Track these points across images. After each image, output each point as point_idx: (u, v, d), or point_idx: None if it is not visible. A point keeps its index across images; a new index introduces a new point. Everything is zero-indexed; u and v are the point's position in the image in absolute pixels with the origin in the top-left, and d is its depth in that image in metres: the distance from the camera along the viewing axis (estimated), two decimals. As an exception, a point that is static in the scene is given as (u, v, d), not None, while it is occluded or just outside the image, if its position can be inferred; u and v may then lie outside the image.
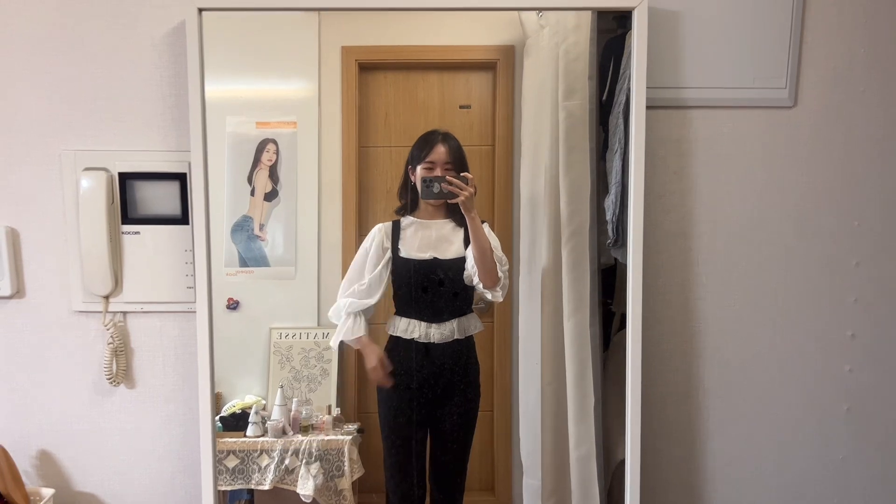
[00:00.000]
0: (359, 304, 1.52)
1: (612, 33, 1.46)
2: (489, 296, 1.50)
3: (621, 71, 1.44)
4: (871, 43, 1.48)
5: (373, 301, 1.52)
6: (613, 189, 1.45)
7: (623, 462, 1.48)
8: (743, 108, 1.48)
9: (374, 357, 1.53)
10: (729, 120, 1.48)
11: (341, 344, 1.54)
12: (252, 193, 1.51)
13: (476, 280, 1.49)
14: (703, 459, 1.58)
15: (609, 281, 1.52)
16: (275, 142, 1.50)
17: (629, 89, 1.40)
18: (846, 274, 1.53)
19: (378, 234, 1.52)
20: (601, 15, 1.44)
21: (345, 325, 1.53)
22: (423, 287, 1.51)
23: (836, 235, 1.52)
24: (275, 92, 1.54)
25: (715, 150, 1.49)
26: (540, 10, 1.46)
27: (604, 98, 1.48)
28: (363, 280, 1.51)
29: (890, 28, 1.47)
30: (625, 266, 1.45)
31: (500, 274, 1.49)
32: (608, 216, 1.47)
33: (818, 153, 1.50)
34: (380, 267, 1.51)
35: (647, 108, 1.40)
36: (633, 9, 1.37)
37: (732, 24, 1.46)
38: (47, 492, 1.50)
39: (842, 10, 1.46)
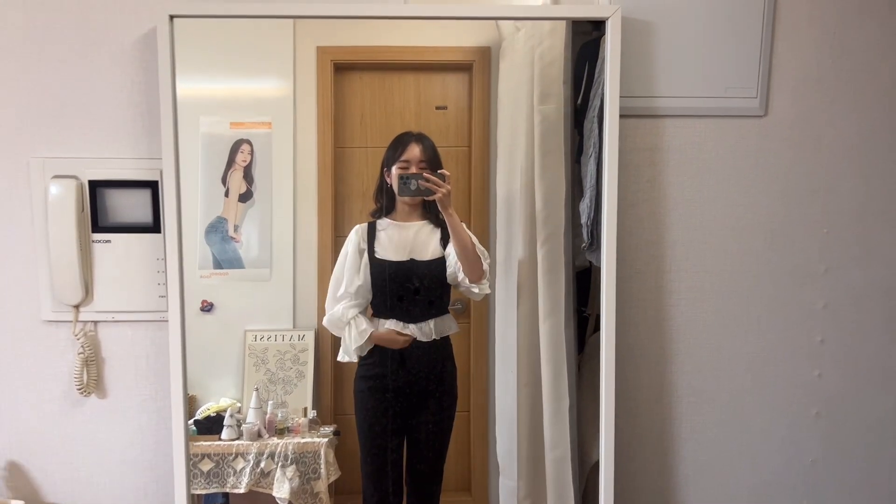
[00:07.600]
0: (355, 304, 1.51)
1: (587, 36, 1.47)
2: (476, 290, 1.49)
3: (596, 76, 1.44)
4: (840, 54, 1.49)
5: (368, 300, 1.52)
6: (588, 193, 1.46)
7: (598, 464, 1.49)
8: (714, 117, 1.50)
9: (390, 336, 1.52)
10: (701, 129, 1.50)
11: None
12: (226, 194, 1.50)
13: (461, 276, 1.49)
14: (675, 463, 1.60)
15: (584, 284, 1.53)
16: (249, 142, 1.49)
17: (603, 95, 1.41)
18: (815, 280, 1.56)
19: (354, 236, 1.51)
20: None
21: (350, 335, 1.51)
22: (399, 296, 1.50)
23: (806, 242, 1.54)
24: (249, 92, 1.53)
25: (687, 159, 1.51)
26: (514, 19, 1.46)
27: (579, 102, 1.48)
28: (349, 286, 1.50)
29: (858, 39, 1.49)
30: (599, 269, 1.45)
31: (484, 266, 1.49)
32: (583, 220, 1.47)
33: (788, 161, 1.52)
34: (360, 270, 1.50)
35: (621, 116, 1.40)
36: (607, 19, 1.37)
37: (704, 34, 1.47)
38: None
39: (812, 21, 1.48)
